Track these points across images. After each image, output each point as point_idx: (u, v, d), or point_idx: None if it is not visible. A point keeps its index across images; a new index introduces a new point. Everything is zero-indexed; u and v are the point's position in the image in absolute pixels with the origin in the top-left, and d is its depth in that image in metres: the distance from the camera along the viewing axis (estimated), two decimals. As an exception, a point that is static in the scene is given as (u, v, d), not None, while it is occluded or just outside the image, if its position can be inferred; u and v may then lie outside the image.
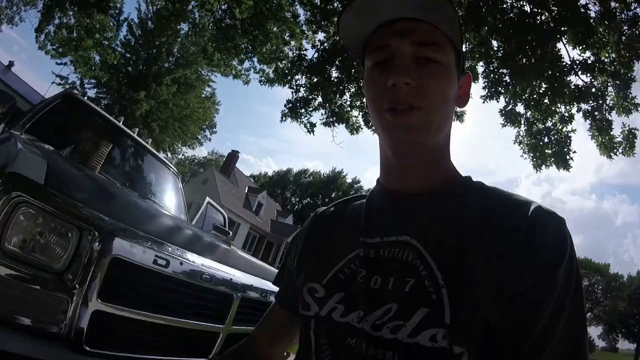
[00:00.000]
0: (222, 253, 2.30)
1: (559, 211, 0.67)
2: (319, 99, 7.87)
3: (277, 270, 1.07)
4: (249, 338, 0.99)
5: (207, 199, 6.66)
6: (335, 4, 7.54)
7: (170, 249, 1.82)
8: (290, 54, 8.68)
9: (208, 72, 26.28)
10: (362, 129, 8.35)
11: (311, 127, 7.83)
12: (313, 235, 0.90)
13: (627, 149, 6.73)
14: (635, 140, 6.75)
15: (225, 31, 8.04)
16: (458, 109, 0.83)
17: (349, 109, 8.25)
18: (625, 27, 6.00)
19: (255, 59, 8.85)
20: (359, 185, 59.02)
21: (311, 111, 7.84)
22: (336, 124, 8.18)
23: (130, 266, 1.62)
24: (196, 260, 1.93)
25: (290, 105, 7.74)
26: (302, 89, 7.80)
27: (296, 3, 7.94)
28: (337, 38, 7.50)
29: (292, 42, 8.73)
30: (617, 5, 5.91)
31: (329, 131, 8.26)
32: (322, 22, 7.76)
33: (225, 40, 8.12)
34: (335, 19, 7.41)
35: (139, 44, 24.91)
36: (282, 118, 7.72)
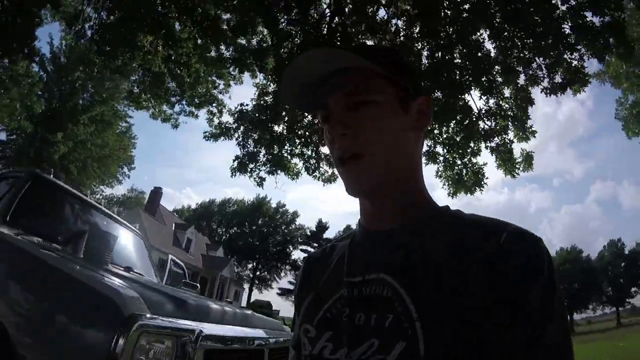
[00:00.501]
0: (249, 318, 2.94)
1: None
2: (263, 152, 8.34)
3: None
4: None
5: (170, 256, 7.07)
6: (265, 42, 7.85)
7: (228, 327, 2.47)
8: (220, 96, 9.00)
9: (125, 107, 25.56)
10: (301, 174, 8.82)
11: (261, 181, 8.29)
12: (306, 278, 0.95)
13: (526, 166, 8.20)
14: (532, 159, 8.17)
15: (154, 75, 8.09)
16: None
17: (289, 157, 8.69)
18: (521, 73, 7.28)
19: (184, 102, 9.03)
20: (284, 209, 59.59)
21: (259, 166, 8.28)
22: (277, 172, 8.57)
23: (216, 351, 2.20)
24: (243, 330, 2.59)
25: (239, 160, 8.16)
26: (249, 145, 8.27)
27: (220, 43, 8.01)
28: (272, 86, 8.06)
29: (221, 84, 9.08)
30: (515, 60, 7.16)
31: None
32: (248, 61, 7.97)
33: (153, 86, 8.22)
34: (258, 62, 7.75)
35: (51, 80, 23.75)
36: (232, 173, 8.13)
